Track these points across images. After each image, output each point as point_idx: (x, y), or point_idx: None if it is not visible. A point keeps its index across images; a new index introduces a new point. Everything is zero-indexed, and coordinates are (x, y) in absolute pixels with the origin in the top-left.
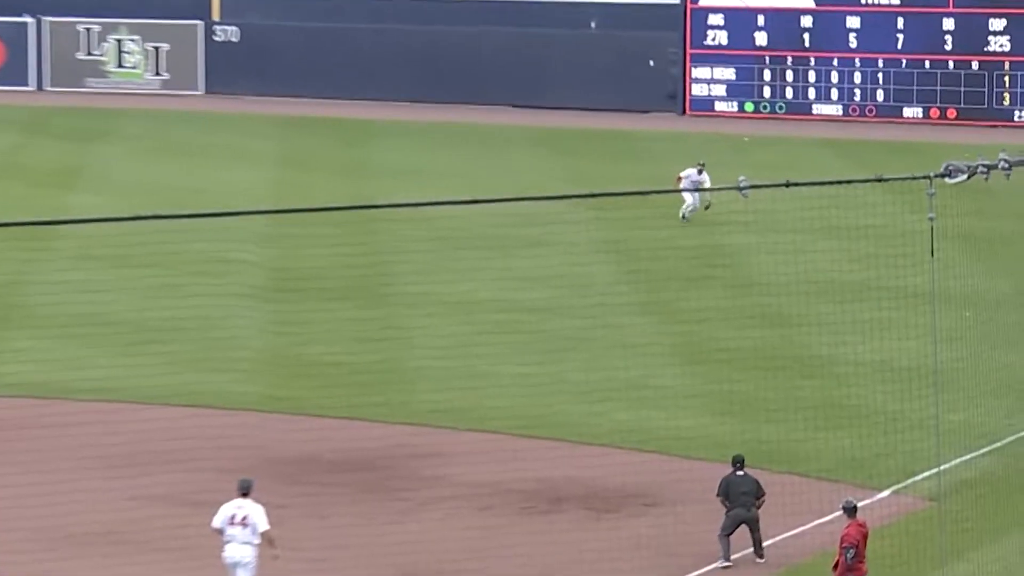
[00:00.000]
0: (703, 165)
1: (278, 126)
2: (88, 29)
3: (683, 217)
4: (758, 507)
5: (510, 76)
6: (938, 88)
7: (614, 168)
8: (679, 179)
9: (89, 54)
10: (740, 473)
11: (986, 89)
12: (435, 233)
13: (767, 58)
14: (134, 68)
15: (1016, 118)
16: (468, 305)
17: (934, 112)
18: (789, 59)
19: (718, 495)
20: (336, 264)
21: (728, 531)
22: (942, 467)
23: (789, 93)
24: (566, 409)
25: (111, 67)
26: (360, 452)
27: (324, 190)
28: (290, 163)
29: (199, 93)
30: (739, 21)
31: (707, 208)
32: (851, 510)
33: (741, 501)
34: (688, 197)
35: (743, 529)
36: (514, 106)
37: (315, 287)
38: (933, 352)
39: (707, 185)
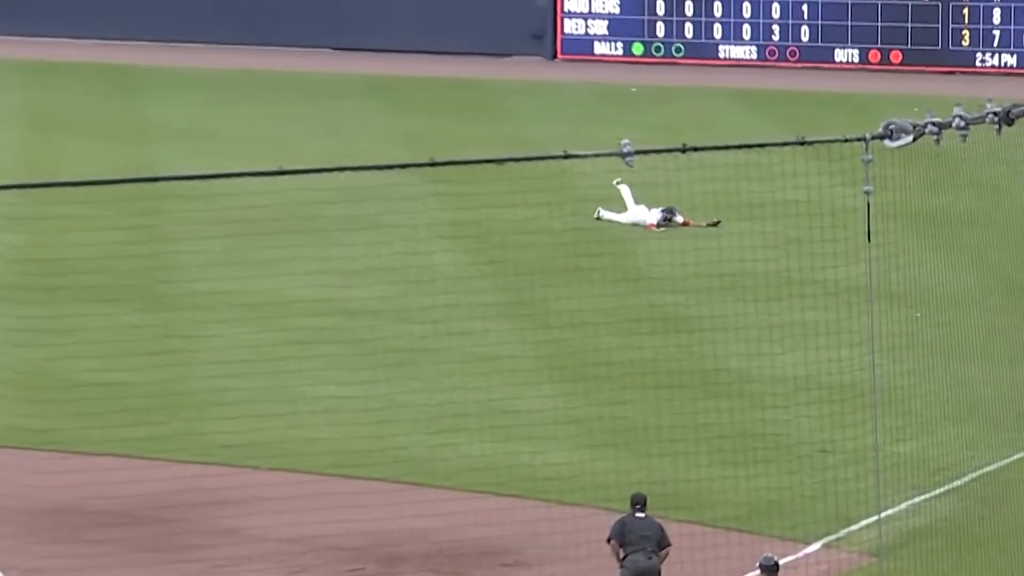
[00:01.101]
0: (671, 212)
1: (23, 74)
2: None
3: (600, 217)
4: (661, 559)
5: (330, 10)
6: (879, 25)
7: (465, 129)
8: (650, 226)
9: None
10: (640, 515)
11: (939, 26)
12: (232, 214)
13: None
14: None
15: (978, 63)
16: (275, 307)
17: (874, 55)
18: None
19: (609, 539)
20: (103, 255)
21: None
22: (884, 513)
23: (689, 31)
24: (403, 441)
25: None
26: (137, 499)
27: (85, 157)
28: (40, 122)
29: None
30: None
31: (717, 225)
32: (771, 568)
33: (640, 545)
34: (622, 209)
35: None
36: (336, 49)
37: (76, 284)
38: (871, 364)
39: (678, 221)
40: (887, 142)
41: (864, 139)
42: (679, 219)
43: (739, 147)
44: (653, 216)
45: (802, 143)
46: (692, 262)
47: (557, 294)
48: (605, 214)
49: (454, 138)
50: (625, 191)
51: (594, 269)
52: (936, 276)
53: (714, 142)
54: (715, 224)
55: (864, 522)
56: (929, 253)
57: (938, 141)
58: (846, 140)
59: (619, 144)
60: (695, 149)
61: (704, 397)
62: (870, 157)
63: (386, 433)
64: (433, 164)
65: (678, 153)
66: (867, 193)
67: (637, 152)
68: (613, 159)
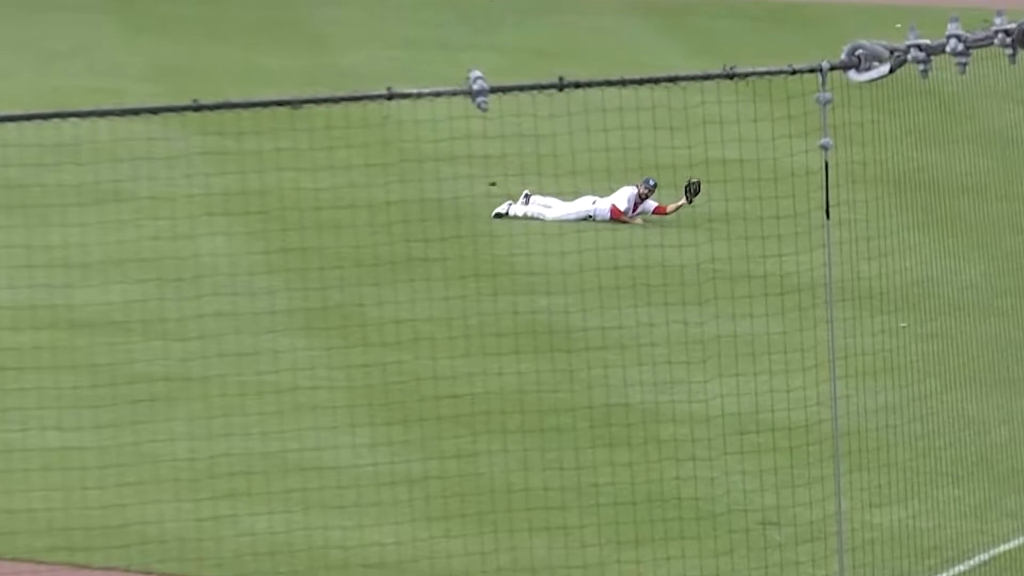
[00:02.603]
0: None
1: None
2: None
3: (500, 214)
4: None
5: None
6: None
7: (247, 56)
8: (617, 213)
9: None
10: None
11: None
12: None
13: None
14: None
15: None
16: None
17: None
18: None
19: None
20: None
21: None
22: None
23: None
24: (156, 512)
25: None
26: None
27: None
28: None
29: None
30: None
31: (691, 201)
32: None
33: None
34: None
35: None
36: None
37: None
38: (833, 397)
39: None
40: (853, 74)
41: (820, 70)
42: (650, 207)
43: (640, 82)
44: (623, 197)
45: (731, 76)
46: (575, 249)
47: (381, 296)
48: (517, 210)
49: (230, 70)
50: (541, 202)
51: (434, 260)
52: (927, 268)
53: (605, 75)
54: (692, 192)
55: None
56: (916, 235)
57: (926, 72)
58: (794, 72)
59: (467, 78)
60: (577, 85)
61: (593, 444)
62: (829, 96)
63: (131, 501)
64: (199, 108)
65: (553, 91)
66: (824, 148)
67: (494, 90)
68: (459, 99)
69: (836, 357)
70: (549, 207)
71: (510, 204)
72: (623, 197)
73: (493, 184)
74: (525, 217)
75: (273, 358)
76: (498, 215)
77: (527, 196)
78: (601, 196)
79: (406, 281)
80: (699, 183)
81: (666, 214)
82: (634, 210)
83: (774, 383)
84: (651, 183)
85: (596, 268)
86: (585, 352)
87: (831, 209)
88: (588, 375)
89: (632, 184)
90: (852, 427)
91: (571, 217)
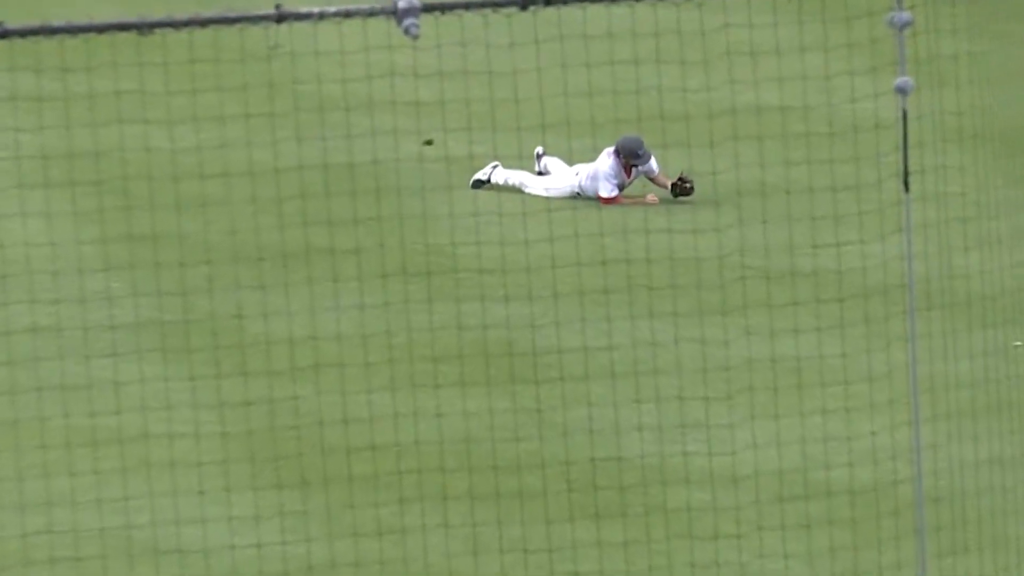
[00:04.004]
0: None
1: None
2: None
3: (481, 182)
4: None
5: None
6: None
7: None
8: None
9: None
10: None
11: None
12: None
13: None
14: None
15: None
16: None
17: None
18: None
19: None
20: None
21: None
22: None
23: None
24: None
25: None
26: None
27: None
28: None
29: None
30: None
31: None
32: None
33: None
34: (530, 180)
35: None
36: None
37: None
38: (915, 444)
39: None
40: None
41: None
42: (653, 167)
43: None
44: (604, 172)
45: None
46: (546, 236)
47: (267, 305)
48: (499, 175)
49: None
50: (554, 165)
51: (345, 252)
52: None
53: None
54: (680, 192)
55: None
56: None
57: None
58: None
59: None
60: (548, 2)
61: (572, 516)
62: (908, 17)
63: None
64: (5, 34)
65: (514, 9)
66: (902, 91)
67: (427, 8)
68: (379, 22)
69: (920, 390)
70: (544, 173)
71: (495, 167)
72: (603, 172)
73: (428, 143)
74: (507, 186)
75: (113, 393)
76: (478, 183)
77: (539, 156)
78: (586, 164)
79: (303, 283)
80: (692, 184)
81: (684, 188)
82: (627, 174)
83: (830, 427)
84: (638, 151)
85: (576, 263)
86: (560, 384)
87: (912, 178)
88: (564, 417)
89: (610, 148)
90: (943, 490)
91: (560, 193)
